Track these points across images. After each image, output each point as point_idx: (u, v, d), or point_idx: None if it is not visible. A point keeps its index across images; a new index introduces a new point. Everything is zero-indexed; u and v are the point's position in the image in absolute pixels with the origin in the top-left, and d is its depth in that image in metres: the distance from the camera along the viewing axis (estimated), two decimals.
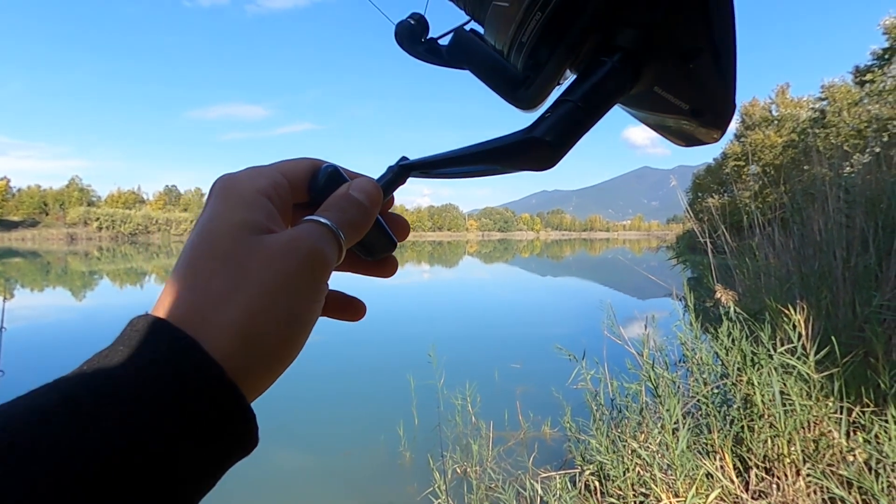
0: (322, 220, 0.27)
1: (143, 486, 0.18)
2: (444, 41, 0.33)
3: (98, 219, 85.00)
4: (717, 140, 0.30)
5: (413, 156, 0.32)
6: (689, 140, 0.31)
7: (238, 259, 0.24)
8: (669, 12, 0.25)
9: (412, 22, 0.34)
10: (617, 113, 0.31)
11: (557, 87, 0.29)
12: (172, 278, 0.24)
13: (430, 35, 0.34)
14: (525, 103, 0.30)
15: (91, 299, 13.28)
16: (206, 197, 0.27)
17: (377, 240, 0.31)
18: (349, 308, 0.34)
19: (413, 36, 0.34)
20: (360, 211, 0.28)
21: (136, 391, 0.20)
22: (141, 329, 0.22)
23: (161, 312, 0.23)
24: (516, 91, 0.30)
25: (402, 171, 0.32)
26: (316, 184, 0.30)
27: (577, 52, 0.28)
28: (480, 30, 0.32)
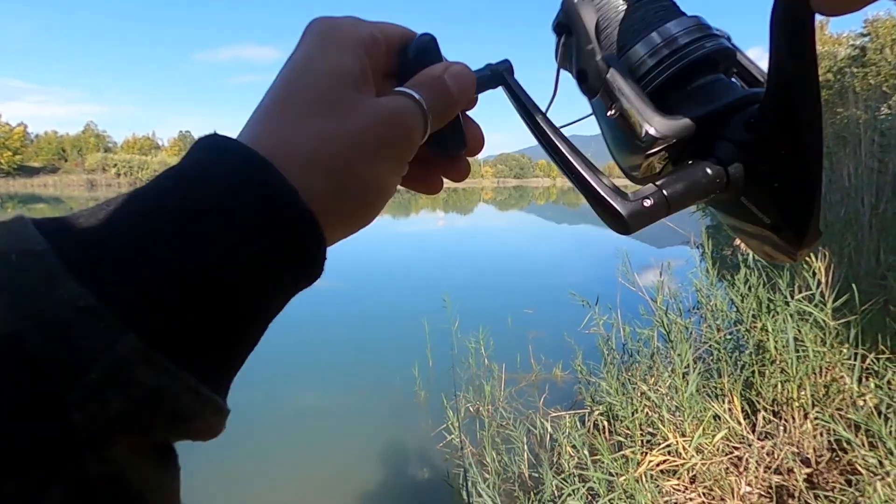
0: (417, 96, 0.26)
1: (227, 302, 0.18)
2: None
3: (116, 165, 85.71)
4: (793, 262, 0.32)
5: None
6: (765, 253, 0.33)
7: (341, 108, 0.23)
8: (766, 138, 0.28)
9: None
10: None
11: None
12: (260, 113, 0.23)
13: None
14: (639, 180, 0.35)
15: None
16: (301, 36, 0.26)
17: (452, 135, 0.31)
18: (427, 180, 0.32)
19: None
20: (449, 100, 0.27)
21: (221, 205, 0.19)
22: (226, 151, 0.21)
23: (246, 140, 0.22)
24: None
25: (497, 77, 0.32)
26: (408, 53, 0.29)
27: (680, 151, 0.31)
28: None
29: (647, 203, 0.29)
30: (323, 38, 0.25)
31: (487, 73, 0.32)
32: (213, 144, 0.21)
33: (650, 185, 0.29)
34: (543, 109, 0.33)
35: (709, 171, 0.29)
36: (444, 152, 0.31)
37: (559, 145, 0.31)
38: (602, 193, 0.29)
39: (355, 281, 8.56)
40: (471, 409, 3.16)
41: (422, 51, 0.29)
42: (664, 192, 0.29)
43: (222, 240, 0.18)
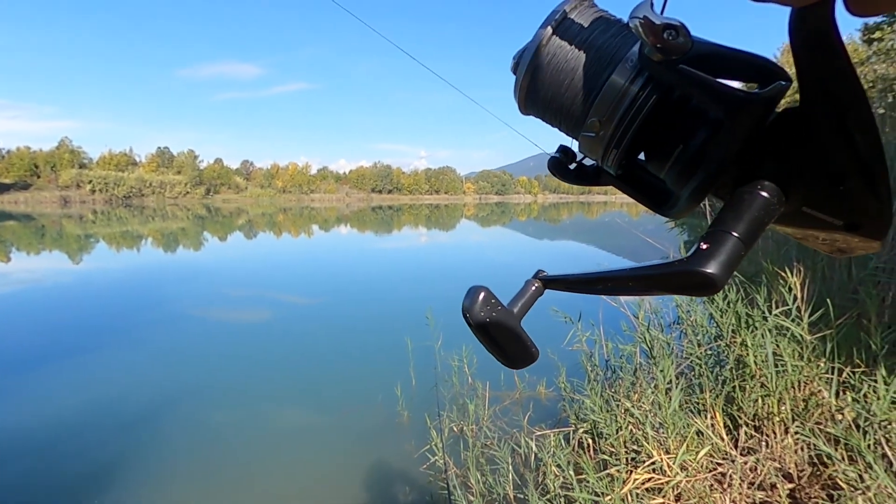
0: None
1: None
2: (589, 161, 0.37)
3: (91, 181, 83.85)
4: (876, 250, 0.30)
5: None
6: (842, 251, 0.32)
7: None
8: (810, 146, 0.27)
9: (559, 155, 0.38)
10: None
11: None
12: None
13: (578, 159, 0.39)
14: (668, 216, 0.34)
15: (88, 263, 13.26)
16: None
17: (517, 348, 0.34)
18: None
19: (562, 166, 0.38)
20: None
21: None
22: None
23: None
24: (661, 207, 0.34)
25: (542, 285, 0.35)
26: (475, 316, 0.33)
27: (717, 180, 0.30)
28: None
29: (723, 249, 0.27)
30: None
31: (528, 294, 0.36)
32: None
33: (713, 230, 0.28)
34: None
35: (764, 193, 0.28)
36: (511, 363, 0.35)
37: (627, 274, 0.31)
38: (672, 271, 0.28)
39: (337, 298, 8.46)
40: (454, 428, 3.12)
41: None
42: (734, 233, 0.27)
43: None
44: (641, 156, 0.34)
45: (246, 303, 8.11)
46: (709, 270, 0.26)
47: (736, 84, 0.29)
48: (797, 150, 0.27)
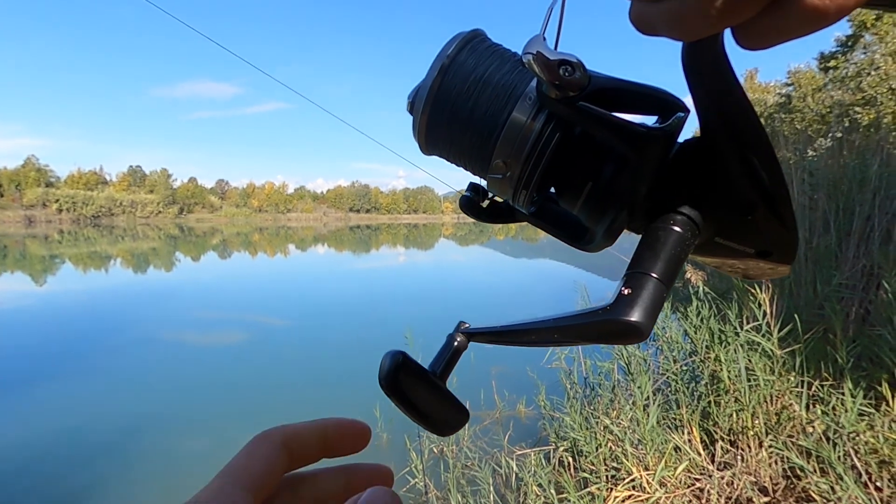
0: None
1: None
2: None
3: (58, 200, 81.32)
4: (786, 274, 0.30)
5: None
6: (755, 277, 0.32)
7: None
8: (715, 177, 0.27)
9: (470, 194, 0.37)
10: None
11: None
12: None
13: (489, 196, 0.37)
14: (587, 251, 0.34)
15: (52, 284, 12.78)
16: None
17: None
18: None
19: (474, 205, 0.37)
20: None
21: None
22: None
23: None
24: (578, 242, 0.34)
25: (465, 340, 0.34)
26: (385, 380, 0.32)
27: (634, 215, 0.29)
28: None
29: (645, 293, 0.26)
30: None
31: (450, 349, 0.34)
32: None
33: (631, 273, 0.27)
34: None
35: (677, 228, 0.27)
36: None
37: (548, 325, 0.30)
38: (594, 321, 0.27)
39: (314, 319, 8.33)
40: (434, 450, 3.08)
41: (392, 381, 0.31)
42: (653, 274, 0.26)
43: None
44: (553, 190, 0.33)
45: (218, 325, 7.91)
46: (633, 319, 0.25)
47: (638, 118, 0.28)
48: (703, 183, 0.27)
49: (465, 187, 0.37)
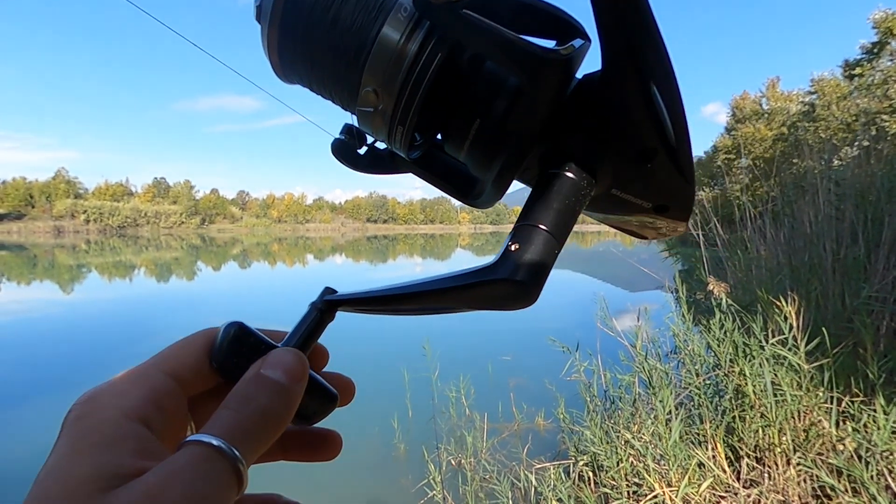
0: (206, 439, 0.19)
1: None
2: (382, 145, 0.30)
3: (86, 211, 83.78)
4: (682, 232, 0.28)
5: None
6: (652, 235, 0.30)
7: None
8: (616, 116, 0.23)
9: (344, 137, 0.31)
10: None
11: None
12: None
13: (368, 143, 0.31)
14: (475, 206, 0.29)
15: (79, 293, 13.13)
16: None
17: (312, 400, 0.25)
18: (320, 446, 0.28)
19: (350, 151, 0.31)
20: (277, 400, 0.22)
21: None
22: None
23: None
24: (466, 196, 0.30)
25: (328, 307, 0.28)
26: (218, 354, 0.24)
27: (523, 161, 0.26)
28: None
29: (532, 248, 0.23)
30: (76, 430, 0.21)
31: (312, 318, 0.28)
32: None
33: (519, 226, 0.24)
34: None
35: (572, 176, 0.24)
36: (308, 422, 0.26)
37: (424, 288, 0.26)
38: (474, 281, 0.24)
39: (331, 327, 8.38)
40: (452, 462, 3.06)
41: (232, 344, 0.24)
42: (541, 226, 0.23)
43: None
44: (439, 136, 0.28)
45: None
46: (517, 278, 0.22)
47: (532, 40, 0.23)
48: (601, 125, 0.24)
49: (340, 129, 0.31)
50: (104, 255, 29.47)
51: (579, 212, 0.24)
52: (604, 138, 0.24)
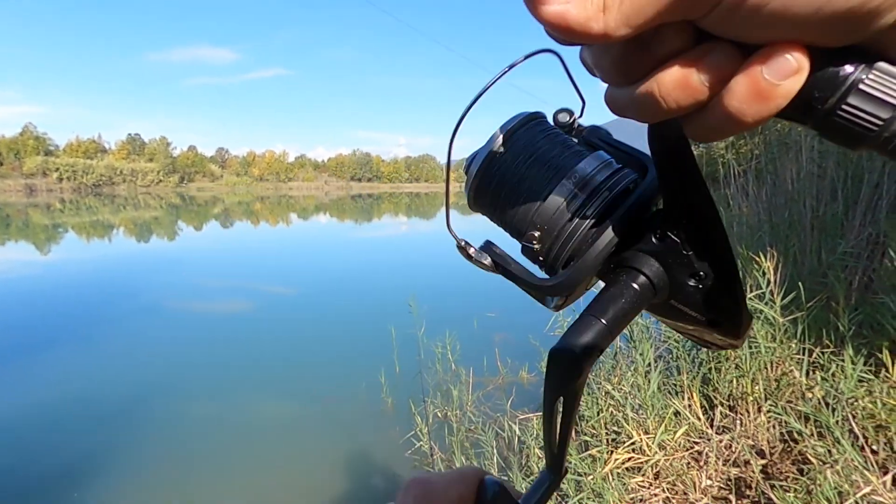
0: None
1: None
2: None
3: (58, 169, 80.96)
4: (736, 347, 0.33)
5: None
6: (707, 345, 0.34)
7: None
8: (680, 251, 0.29)
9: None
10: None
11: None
12: None
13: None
14: (555, 307, 0.35)
15: (57, 253, 12.86)
16: (399, 495, 0.31)
17: None
18: None
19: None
20: None
21: None
22: None
23: None
24: (545, 298, 0.34)
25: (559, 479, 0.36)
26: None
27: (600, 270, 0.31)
28: None
29: (588, 335, 0.29)
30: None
31: (546, 486, 0.37)
32: None
33: (585, 315, 0.29)
34: None
35: (635, 286, 0.29)
36: None
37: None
38: (557, 349, 0.30)
39: (317, 287, 8.40)
40: (439, 414, 3.15)
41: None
42: (602, 320, 0.29)
43: None
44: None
45: (223, 293, 7.99)
46: (576, 354, 0.28)
47: None
48: (665, 248, 0.29)
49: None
50: (80, 214, 28.71)
51: (636, 313, 0.30)
52: (666, 261, 0.29)
